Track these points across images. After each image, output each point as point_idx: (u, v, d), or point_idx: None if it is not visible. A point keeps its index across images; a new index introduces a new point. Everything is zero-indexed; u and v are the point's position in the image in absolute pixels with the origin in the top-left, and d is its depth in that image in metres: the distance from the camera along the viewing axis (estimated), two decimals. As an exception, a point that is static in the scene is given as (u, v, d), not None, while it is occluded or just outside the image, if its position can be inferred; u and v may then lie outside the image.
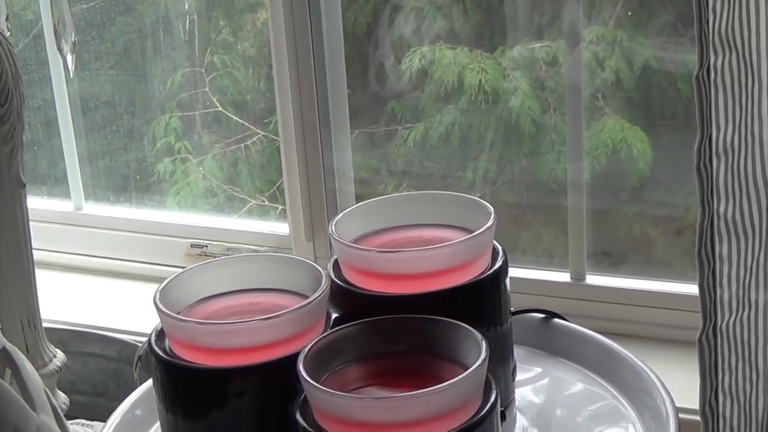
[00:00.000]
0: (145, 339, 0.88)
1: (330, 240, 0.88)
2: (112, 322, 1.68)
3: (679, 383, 1.28)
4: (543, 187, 1.69)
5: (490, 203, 0.89)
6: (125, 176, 2.00)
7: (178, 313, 0.83)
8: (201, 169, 1.94)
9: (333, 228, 0.88)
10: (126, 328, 1.63)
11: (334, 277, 0.86)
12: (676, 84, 1.61)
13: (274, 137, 1.84)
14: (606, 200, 1.67)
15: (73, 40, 1.12)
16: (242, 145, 1.92)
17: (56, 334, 1.20)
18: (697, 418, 1.28)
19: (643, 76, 1.63)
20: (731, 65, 1.14)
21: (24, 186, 1.07)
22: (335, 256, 0.88)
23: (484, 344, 0.76)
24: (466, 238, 0.85)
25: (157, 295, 0.83)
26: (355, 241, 0.89)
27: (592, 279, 1.61)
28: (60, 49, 1.13)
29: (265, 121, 1.88)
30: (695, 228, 1.20)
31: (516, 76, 1.68)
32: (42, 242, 1.88)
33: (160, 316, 0.83)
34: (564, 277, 1.62)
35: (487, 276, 0.86)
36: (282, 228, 1.81)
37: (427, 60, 1.73)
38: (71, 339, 1.26)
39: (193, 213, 1.94)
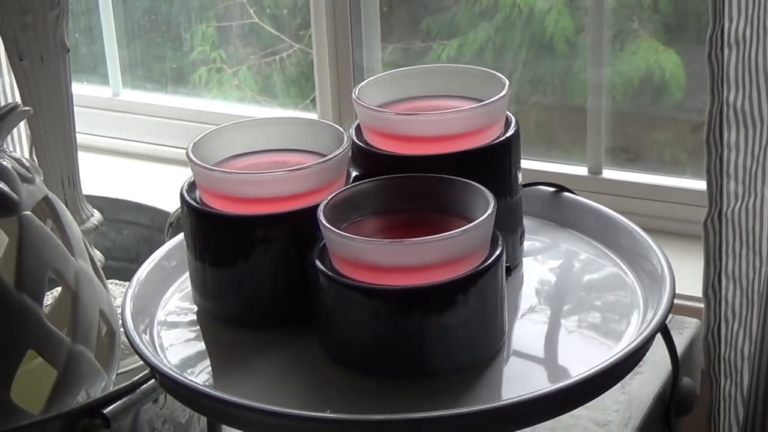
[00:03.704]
0: (177, 209, 0.92)
1: (353, 104, 0.93)
2: (146, 199, 1.73)
3: (686, 273, 1.33)
4: (574, 106, 1.71)
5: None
6: (161, 82, 2.04)
7: (208, 166, 0.88)
8: (235, 79, 1.98)
9: (356, 93, 0.92)
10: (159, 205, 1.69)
11: (355, 139, 0.91)
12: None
13: (309, 50, 1.86)
14: (631, 109, 1.69)
15: None
16: (277, 57, 1.95)
17: (93, 201, 1.25)
18: (701, 305, 1.33)
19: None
20: (747, -42, 1.17)
21: (68, 50, 1.12)
22: (357, 121, 0.94)
23: (492, 200, 0.81)
24: (479, 105, 0.90)
25: (190, 148, 0.88)
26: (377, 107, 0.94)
27: (608, 173, 1.64)
28: None
29: (301, 32, 1.91)
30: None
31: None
32: (80, 126, 1.93)
33: (192, 167, 0.87)
34: (581, 171, 1.66)
35: (498, 142, 0.91)
36: (311, 116, 1.86)
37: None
38: (107, 206, 1.31)
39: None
